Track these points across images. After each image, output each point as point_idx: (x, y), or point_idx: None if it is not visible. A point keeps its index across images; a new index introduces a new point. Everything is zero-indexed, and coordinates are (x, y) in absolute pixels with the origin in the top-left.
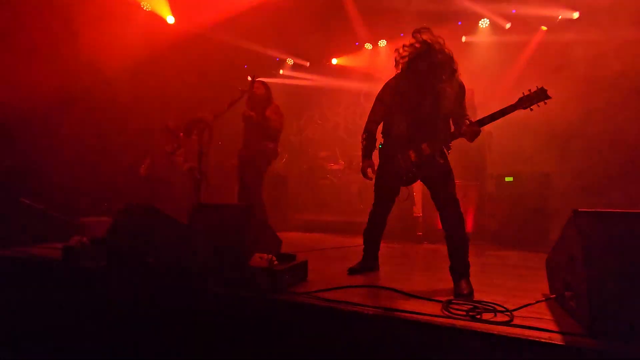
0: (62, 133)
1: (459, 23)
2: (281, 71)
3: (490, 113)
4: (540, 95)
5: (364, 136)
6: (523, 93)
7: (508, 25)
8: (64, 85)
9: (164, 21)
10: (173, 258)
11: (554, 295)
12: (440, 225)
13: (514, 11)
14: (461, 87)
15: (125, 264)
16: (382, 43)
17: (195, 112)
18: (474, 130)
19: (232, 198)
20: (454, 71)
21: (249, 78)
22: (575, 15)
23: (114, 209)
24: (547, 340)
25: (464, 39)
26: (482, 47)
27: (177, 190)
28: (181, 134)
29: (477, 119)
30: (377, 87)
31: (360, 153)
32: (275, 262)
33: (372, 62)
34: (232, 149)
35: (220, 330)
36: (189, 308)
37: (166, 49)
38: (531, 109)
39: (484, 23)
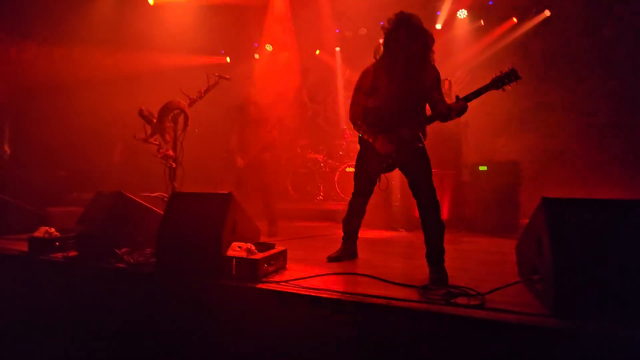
0: (26, 119)
1: (438, 13)
2: (256, 55)
3: (468, 93)
4: (511, 75)
5: (358, 122)
6: (495, 74)
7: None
8: (26, 70)
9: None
10: (146, 247)
11: (523, 279)
12: (417, 213)
13: (491, 2)
14: (437, 74)
15: (97, 254)
16: (363, 31)
17: (170, 97)
18: (461, 105)
19: (209, 187)
20: (429, 49)
21: (216, 75)
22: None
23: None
24: (516, 322)
25: (438, 26)
26: (459, 38)
27: (151, 178)
28: (155, 120)
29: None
30: (356, 75)
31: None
32: (254, 251)
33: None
34: (209, 136)
35: (198, 320)
36: (163, 298)
37: (139, 30)
38: (504, 89)
39: (462, 14)
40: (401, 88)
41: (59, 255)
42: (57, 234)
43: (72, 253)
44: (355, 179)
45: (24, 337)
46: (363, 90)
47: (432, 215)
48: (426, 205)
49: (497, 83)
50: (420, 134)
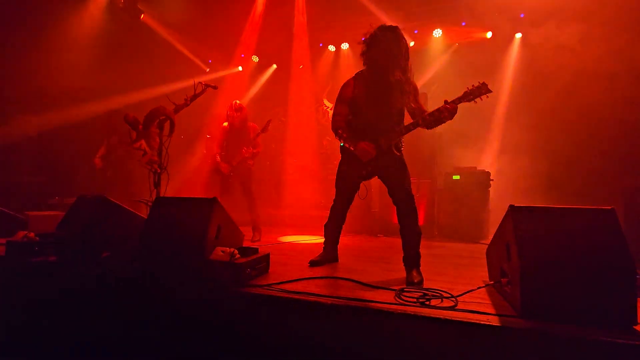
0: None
1: (415, 32)
2: (240, 68)
3: (441, 106)
4: (482, 89)
5: (340, 132)
6: (467, 87)
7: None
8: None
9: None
10: (129, 252)
11: (492, 282)
12: (395, 220)
13: (463, 23)
14: (415, 87)
15: (78, 258)
16: (345, 46)
17: (156, 104)
18: (453, 107)
19: (194, 192)
20: (407, 60)
21: (201, 82)
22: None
23: (67, 202)
24: (485, 322)
25: (412, 43)
26: (434, 55)
27: (136, 184)
28: (140, 125)
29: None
30: (338, 86)
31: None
32: (237, 256)
33: (335, 64)
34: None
35: (181, 324)
36: (146, 304)
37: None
38: (475, 102)
39: (437, 33)
40: (380, 99)
41: (38, 259)
42: (37, 238)
43: (52, 258)
44: (336, 186)
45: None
46: (344, 101)
47: (411, 221)
48: (405, 212)
49: (469, 95)
50: (399, 142)
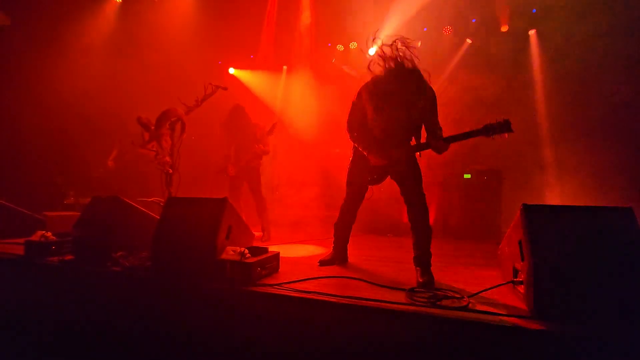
0: (25, 126)
1: (424, 29)
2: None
3: (458, 133)
4: (504, 127)
5: (355, 135)
6: (490, 122)
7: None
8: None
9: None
10: (142, 251)
11: (505, 282)
12: (405, 219)
13: (474, 20)
14: (433, 95)
15: (93, 258)
16: (353, 45)
17: (168, 105)
18: (442, 145)
19: (204, 192)
20: (423, 82)
21: (211, 84)
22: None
23: (82, 203)
24: (498, 323)
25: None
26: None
27: (149, 184)
28: (152, 127)
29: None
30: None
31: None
32: (248, 255)
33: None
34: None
35: (192, 322)
36: (158, 302)
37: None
38: (493, 138)
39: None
40: (395, 113)
41: (55, 259)
42: (54, 238)
43: (69, 257)
44: (347, 186)
45: (19, 339)
46: (359, 107)
47: (422, 220)
48: (416, 211)
49: (488, 131)
50: (415, 154)
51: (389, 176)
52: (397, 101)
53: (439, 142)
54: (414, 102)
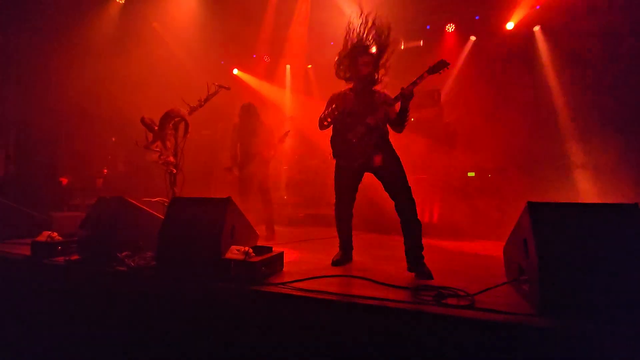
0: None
1: (427, 27)
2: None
3: (412, 81)
4: (440, 64)
5: (325, 123)
6: (429, 65)
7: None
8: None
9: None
10: (147, 250)
11: (510, 280)
12: (395, 216)
13: (477, 17)
14: (386, 95)
15: (98, 258)
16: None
17: (171, 106)
18: (407, 94)
19: (208, 192)
20: (382, 95)
21: (214, 84)
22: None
23: (87, 203)
24: (503, 321)
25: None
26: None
27: (153, 184)
28: (156, 127)
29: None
30: None
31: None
32: (252, 254)
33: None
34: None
35: (197, 321)
36: (164, 301)
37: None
38: (440, 73)
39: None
40: (359, 116)
41: (61, 259)
42: (60, 238)
43: (74, 257)
44: (335, 189)
45: (26, 339)
46: (329, 109)
47: (410, 213)
48: (404, 205)
49: (432, 70)
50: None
51: (372, 173)
52: (362, 114)
53: (404, 95)
54: (385, 108)
